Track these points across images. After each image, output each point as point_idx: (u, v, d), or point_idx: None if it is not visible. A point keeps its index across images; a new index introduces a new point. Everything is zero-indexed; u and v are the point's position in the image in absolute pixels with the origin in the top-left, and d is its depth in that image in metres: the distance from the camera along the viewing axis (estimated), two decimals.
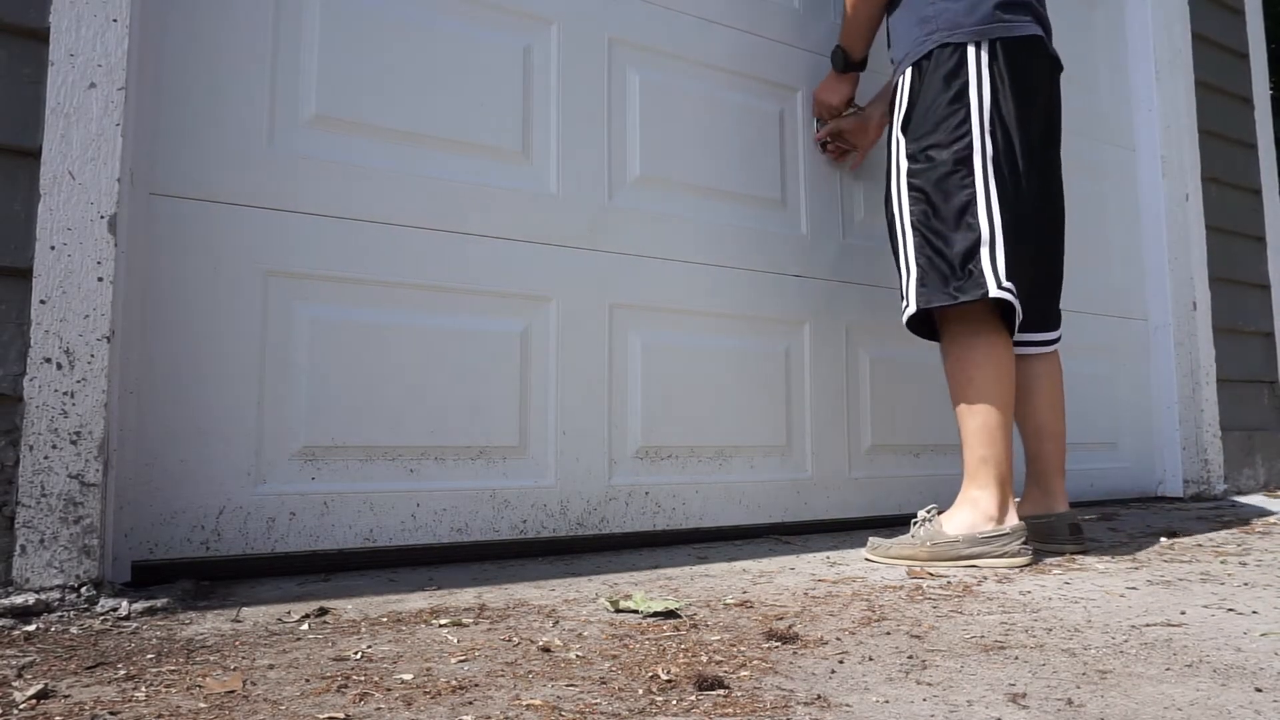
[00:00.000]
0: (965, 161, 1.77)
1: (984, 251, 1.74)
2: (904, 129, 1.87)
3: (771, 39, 2.30)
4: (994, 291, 1.72)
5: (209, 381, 1.55)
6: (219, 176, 1.59)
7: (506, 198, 1.88)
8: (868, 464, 2.34)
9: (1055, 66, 1.92)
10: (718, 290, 2.14)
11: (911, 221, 1.83)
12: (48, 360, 1.31)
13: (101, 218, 1.36)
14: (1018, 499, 1.93)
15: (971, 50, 1.79)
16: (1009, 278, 1.74)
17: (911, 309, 1.83)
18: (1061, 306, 2.04)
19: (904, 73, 1.88)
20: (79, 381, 1.33)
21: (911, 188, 1.83)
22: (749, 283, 2.19)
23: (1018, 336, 1.90)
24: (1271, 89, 4.44)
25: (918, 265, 1.81)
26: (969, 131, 1.78)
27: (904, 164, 1.85)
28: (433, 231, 1.78)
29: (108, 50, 1.39)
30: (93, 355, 1.34)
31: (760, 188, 2.26)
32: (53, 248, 1.33)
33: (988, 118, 1.78)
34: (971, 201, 1.76)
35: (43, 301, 1.32)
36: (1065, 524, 1.90)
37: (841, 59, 2.18)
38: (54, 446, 1.30)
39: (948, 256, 1.77)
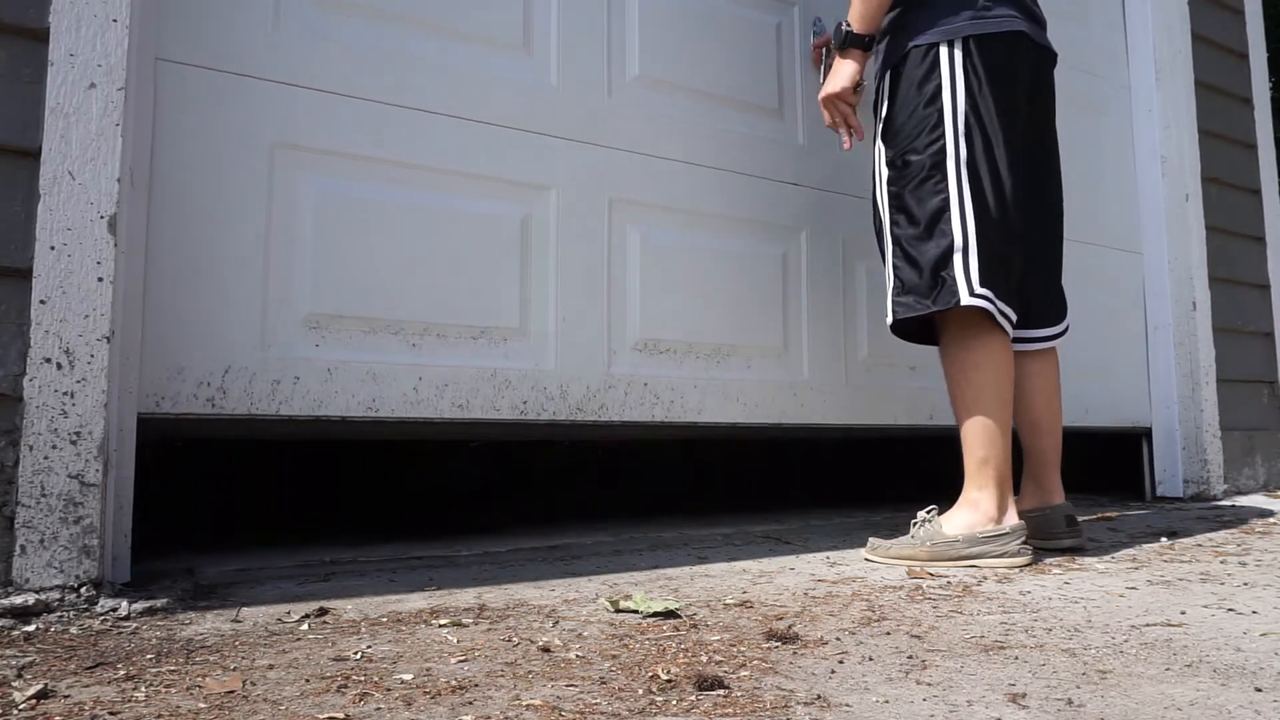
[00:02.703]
0: (939, 166, 1.78)
1: (957, 259, 1.75)
2: (884, 137, 1.88)
3: None
4: (966, 300, 1.73)
5: (215, 245, 1.56)
6: (226, 47, 1.61)
7: (508, 87, 1.90)
8: (864, 373, 2.37)
9: (1047, 58, 1.92)
10: (715, 192, 2.17)
11: (890, 230, 1.86)
12: (48, 360, 1.31)
13: (101, 218, 1.36)
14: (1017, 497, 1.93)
15: (944, 50, 1.79)
16: (985, 283, 1.74)
17: (889, 319, 1.86)
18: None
19: (884, 79, 1.89)
20: (79, 381, 1.33)
21: (890, 196, 1.86)
22: (746, 188, 2.22)
23: (1013, 333, 1.90)
24: (1271, 89, 4.44)
25: (895, 275, 1.84)
26: (942, 135, 1.78)
27: (884, 172, 1.88)
28: (435, 115, 1.80)
29: (108, 50, 1.39)
30: (93, 355, 1.34)
31: (757, 96, 2.29)
32: (53, 248, 1.33)
33: (962, 120, 1.77)
34: (945, 208, 1.77)
35: (43, 301, 1.32)
36: (1061, 516, 1.90)
37: (842, 33, 1.95)
38: (54, 447, 1.30)
39: (921, 265, 1.79)
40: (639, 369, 2.01)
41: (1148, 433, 3.07)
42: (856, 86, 2.00)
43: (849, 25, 1.92)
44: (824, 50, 2.31)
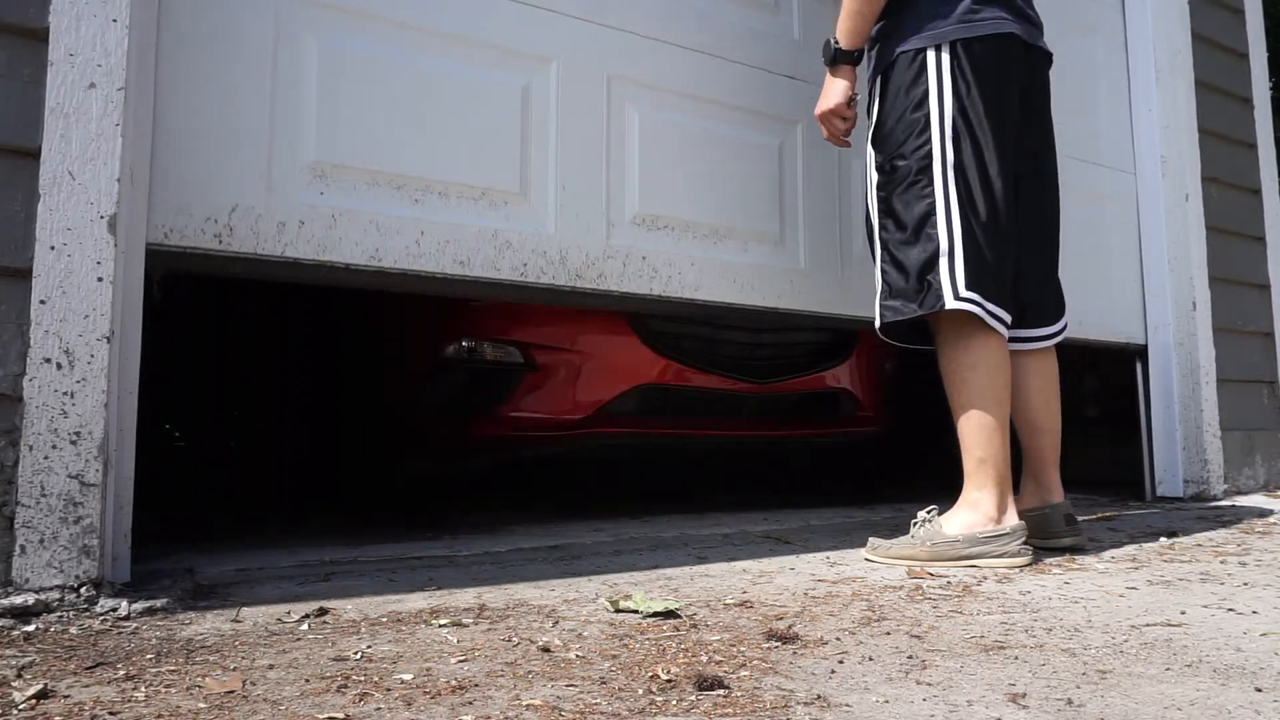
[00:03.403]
0: (925, 171, 1.79)
1: (943, 262, 1.76)
2: (873, 141, 1.90)
3: None
4: (950, 303, 1.74)
5: (221, 88, 1.58)
6: None
7: None
8: (859, 267, 2.39)
9: (1040, 59, 1.93)
10: (712, 79, 2.21)
11: (879, 234, 1.88)
12: (47, 360, 1.31)
13: (101, 218, 1.36)
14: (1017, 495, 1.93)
15: (931, 55, 1.80)
16: (972, 286, 1.74)
17: (877, 323, 1.88)
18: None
19: (874, 84, 1.91)
20: (79, 382, 1.33)
21: (879, 200, 1.88)
22: (743, 77, 2.26)
23: (1009, 333, 1.90)
24: (1271, 89, 4.44)
25: (883, 279, 1.86)
26: (929, 140, 1.79)
27: (874, 176, 1.90)
28: None
29: (108, 50, 1.39)
30: (92, 355, 1.34)
31: None
32: (53, 248, 1.33)
33: (949, 124, 1.78)
34: (931, 212, 1.78)
35: (43, 302, 1.32)
36: (1060, 514, 1.91)
37: (831, 50, 1.98)
38: (54, 447, 1.30)
39: (907, 269, 1.80)
40: (637, 242, 2.05)
41: (1142, 352, 3.07)
42: (850, 101, 2.01)
43: (837, 42, 1.92)
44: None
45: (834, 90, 1.97)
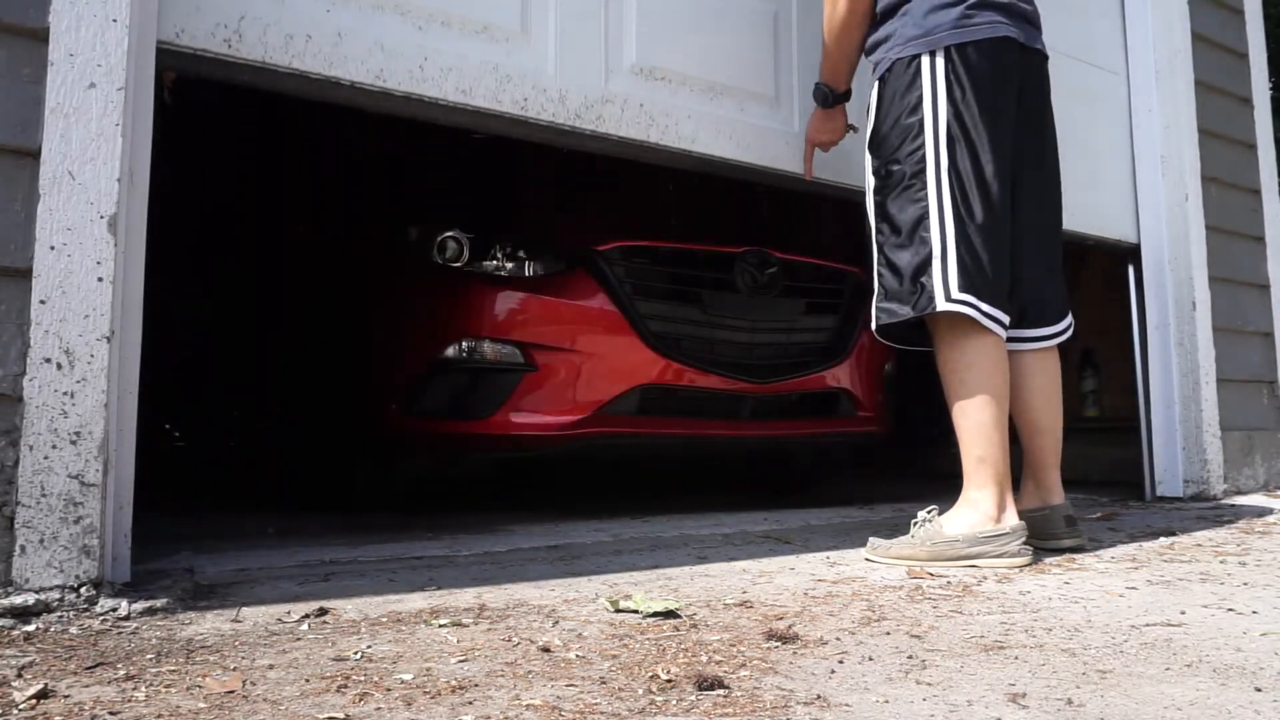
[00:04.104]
0: (919, 175, 1.81)
1: (935, 266, 1.78)
2: (870, 146, 1.93)
3: None
4: (942, 305, 1.76)
5: None
6: None
7: None
8: (852, 137, 2.36)
9: (1038, 59, 1.94)
10: None
11: (875, 238, 1.90)
12: (48, 360, 1.31)
13: (101, 218, 1.36)
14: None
15: (926, 60, 1.82)
16: (965, 289, 1.76)
17: (873, 325, 1.91)
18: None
19: (871, 90, 1.93)
20: (79, 381, 1.33)
21: (876, 205, 1.90)
22: None
23: (1009, 333, 1.91)
24: (1271, 89, 4.44)
25: (879, 282, 1.89)
26: (923, 144, 1.81)
27: (871, 181, 1.92)
28: None
29: (108, 50, 1.39)
30: (93, 355, 1.34)
31: None
32: (53, 248, 1.33)
33: (944, 128, 1.79)
34: (924, 216, 1.80)
35: (42, 302, 1.32)
36: (1060, 516, 1.91)
37: (824, 94, 2.10)
38: (54, 446, 1.30)
39: (901, 272, 1.83)
40: (635, 89, 2.10)
41: (1135, 253, 3.09)
42: (844, 133, 2.14)
43: (828, 86, 2.05)
44: None
45: (833, 127, 2.14)
